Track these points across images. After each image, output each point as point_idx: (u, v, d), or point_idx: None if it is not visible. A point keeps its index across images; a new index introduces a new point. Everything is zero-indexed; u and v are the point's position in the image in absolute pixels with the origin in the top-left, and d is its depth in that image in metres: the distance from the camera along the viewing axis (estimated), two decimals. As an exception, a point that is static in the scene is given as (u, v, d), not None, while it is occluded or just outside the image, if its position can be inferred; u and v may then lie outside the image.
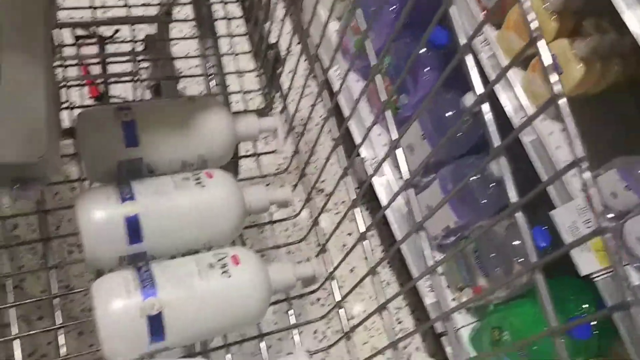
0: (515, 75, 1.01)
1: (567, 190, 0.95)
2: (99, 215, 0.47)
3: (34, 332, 0.63)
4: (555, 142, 0.98)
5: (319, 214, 0.59)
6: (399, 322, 1.26)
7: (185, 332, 0.47)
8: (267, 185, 0.57)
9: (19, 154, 0.48)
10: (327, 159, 0.57)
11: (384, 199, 1.21)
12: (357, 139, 1.24)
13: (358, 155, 1.22)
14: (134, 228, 0.47)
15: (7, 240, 0.67)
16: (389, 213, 1.20)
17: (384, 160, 0.50)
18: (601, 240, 0.28)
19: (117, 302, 0.45)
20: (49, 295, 0.64)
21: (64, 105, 0.61)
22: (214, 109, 0.53)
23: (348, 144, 1.36)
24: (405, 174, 0.44)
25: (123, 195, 0.48)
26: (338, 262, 0.55)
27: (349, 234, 1.31)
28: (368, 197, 1.34)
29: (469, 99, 1.05)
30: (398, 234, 1.20)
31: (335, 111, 0.55)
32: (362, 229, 0.52)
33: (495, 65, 1.01)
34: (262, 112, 0.58)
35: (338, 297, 0.57)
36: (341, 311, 0.57)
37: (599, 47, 0.90)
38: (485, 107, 0.34)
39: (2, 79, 0.50)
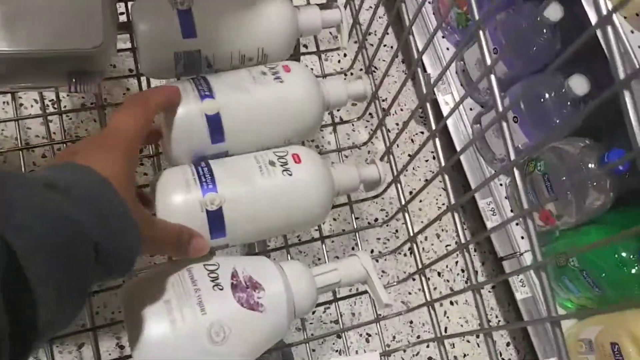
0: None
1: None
2: (179, 112, 0.45)
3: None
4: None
5: (384, 117, 0.55)
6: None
7: (246, 229, 0.46)
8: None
9: (76, 42, 0.47)
10: (387, 68, 0.53)
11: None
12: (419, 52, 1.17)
13: (424, 70, 1.15)
14: (216, 127, 0.45)
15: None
16: (453, 133, 1.14)
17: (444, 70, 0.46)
18: None
19: (177, 197, 0.44)
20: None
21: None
22: (275, -1, 0.50)
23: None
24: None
25: (202, 92, 0.46)
26: (404, 165, 0.52)
27: (409, 155, 1.27)
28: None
29: (550, 10, 0.96)
30: (462, 157, 1.15)
31: (398, 18, 0.50)
32: (433, 126, 0.48)
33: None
34: (324, 6, 0.53)
35: (403, 201, 0.54)
36: (406, 215, 0.54)
37: None
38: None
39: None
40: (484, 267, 1.24)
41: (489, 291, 1.23)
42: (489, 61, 0.38)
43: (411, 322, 1.16)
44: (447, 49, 1.16)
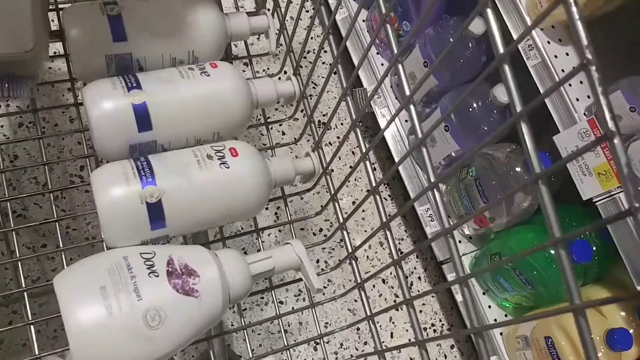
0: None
1: (571, 114, 0.93)
2: (107, 104, 0.47)
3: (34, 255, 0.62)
4: (560, 65, 0.96)
5: (312, 113, 0.58)
6: (401, 253, 1.27)
7: (185, 220, 0.48)
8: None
9: (7, 46, 0.48)
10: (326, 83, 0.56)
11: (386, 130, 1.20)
12: (359, 69, 1.22)
13: (360, 85, 1.20)
14: (142, 115, 0.48)
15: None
16: (390, 143, 1.19)
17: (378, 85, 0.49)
18: (609, 147, 0.26)
19: (116, 190, 0.45)
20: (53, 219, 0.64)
21: (52, 7, 0.60)
22: (203, 3, 0.52)
23: (347, 74, 1.35)
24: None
25: (129, 84, 0.48)
26: (332, 156, 0.55)
27: (350, 166, 1.31)
28: (372, 132, 1.33)
29: (473, 24, 1.02)
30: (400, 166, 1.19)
31: (335, 38, 0.53)
32: (363, 149, 0.51)
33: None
34: (253, 14, 0.56)
35: (332, 191, 0.57)
36: (336, 205, 0.57)
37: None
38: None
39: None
40: (427, 272, 1.28)
41: (432, 296, 1.27)
42: (407, 91, 0.41)
43: (358, 329, 1.18)
44: (382, 64, 1.21)
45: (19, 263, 0.58)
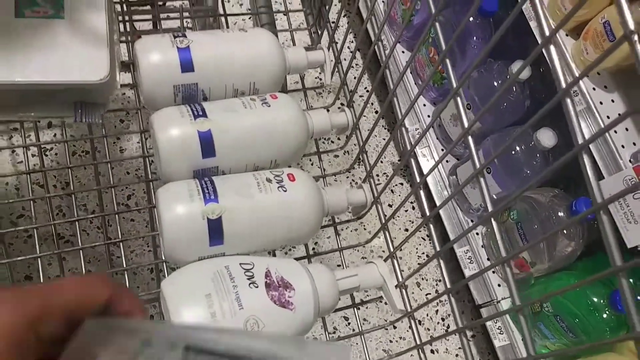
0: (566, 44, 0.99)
1: (617, 161, 0.93)
2: (174, 130, 0.50)
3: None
4: (606, 111, 0.96)
5: (365, 144, 0.59)
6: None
7: (242, 239, 0.50)
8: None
9: (84, 74, 0.52)
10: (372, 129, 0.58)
11: (427, 170, 1.21)
12: (401, 110, 1.24)
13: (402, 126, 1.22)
14: (207, 142, 0.50)
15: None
16: (430, 183, 1.20)
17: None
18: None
19: (181, 205, 0.48)
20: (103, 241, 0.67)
21: (122, 39, 0.64)
22: (265, 38, 0.55)
23: (391, 116, 1.37)
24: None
25: (195, 112, 0.51)
26: (383, 187, 0.56)
27: (389, 205, 1.31)
28: (410, 170, 1.34)
29: (518, 68, 1.04)
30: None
31: (380, 80, 0.56)
32: (417, 179, 0.52)
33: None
34: (309, 48, 0.59)
35: (383, 220, 0.58)
36: (386, 233, 0.59)
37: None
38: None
39: (67, 3, 0.53)
40: (464, 315, 1.26)
41: (469, 340, 1.24)
42: (465, 123, 0.43)
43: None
44: (424, 105, 1.23)
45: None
